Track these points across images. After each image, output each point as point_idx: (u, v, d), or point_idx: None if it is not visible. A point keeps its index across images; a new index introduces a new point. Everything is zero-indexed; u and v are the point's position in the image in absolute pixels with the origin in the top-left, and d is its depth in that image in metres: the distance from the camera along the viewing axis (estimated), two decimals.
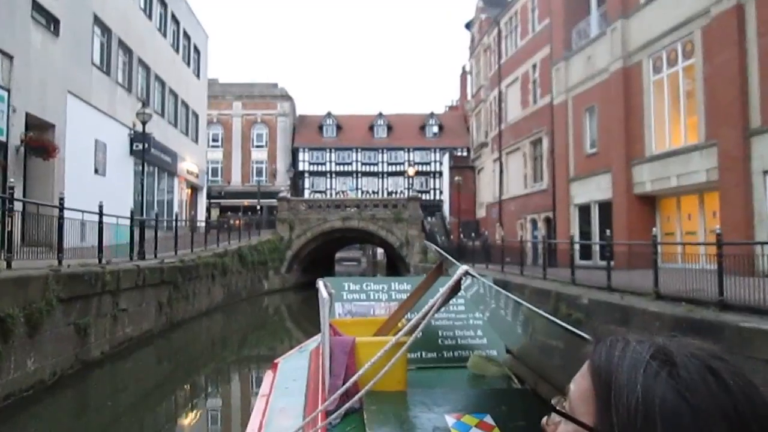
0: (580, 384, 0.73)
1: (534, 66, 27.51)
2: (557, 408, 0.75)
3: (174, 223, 20.14)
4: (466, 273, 2.77)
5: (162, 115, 29.29)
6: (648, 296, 12.33)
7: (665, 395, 0.64)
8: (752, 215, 14.28)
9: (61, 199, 12.09)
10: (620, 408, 0.65)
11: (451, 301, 3.40)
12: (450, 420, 2.50)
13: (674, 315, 10.50)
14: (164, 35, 29.64)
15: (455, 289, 2.83)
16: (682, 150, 17.03)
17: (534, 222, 27.42)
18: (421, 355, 3.83)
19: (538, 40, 26.83)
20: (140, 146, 24.57)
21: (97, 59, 21.77)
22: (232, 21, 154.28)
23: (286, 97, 54.77)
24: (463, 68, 60.90)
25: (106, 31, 22.56)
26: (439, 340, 3.98)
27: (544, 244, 19.11)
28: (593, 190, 21.78)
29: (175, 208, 30.65)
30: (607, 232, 14.80)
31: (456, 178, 35.12)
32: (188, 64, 34.27)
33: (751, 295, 9.58)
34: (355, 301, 4.34)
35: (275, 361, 4.83)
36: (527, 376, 3.24)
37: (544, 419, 0.79)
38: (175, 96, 31.65)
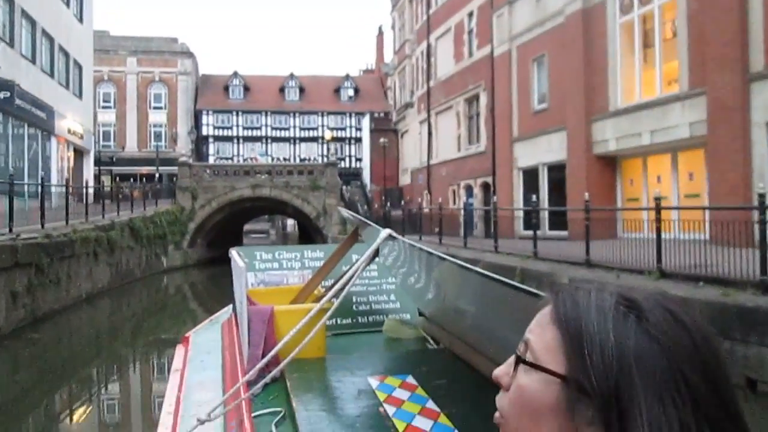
0: (542, 335, 0.72)
1: (470, 14, 24.66)
2: (527, 360, 0.72)
3: (39, 187, 15.93)
4: (390, 236, 2.72)
5: (32, 61, 24.39)
6: (651, 274, 9.89)
7: (638, 339, 0.66)
8: (750, 175, 12.07)
9: None
10: (594, 355, 0.66)
11: None
12: (374, 382, 2.52)
13: (707, 300, 7.99)
14: None
15: (377, 253, 2.78)
16: (658, 102, 14.67)
17: (469, 188, 24.85)
18: (336, 321, 3.74)
19: None
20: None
21: None
22: None
23: (188, 53, 49.70)
24: (380, 28, 57.88)
25: None
26: (354, 306, 3.97)
27: (493, 212, 16.45)
28: (542, 151, 19.31)
29: (54, 174, 25.99)
30: (586, 195, 12.20)
31: (381, 140, 32.02)
32: (67, 3, 29.13)
33: None
34: (268, 271, 4.24)
35: (186, 335, 4.55)
36: (441, 336, 3.28)
37: (497, 371, 0.77)
38: (51, 40, 26.64)
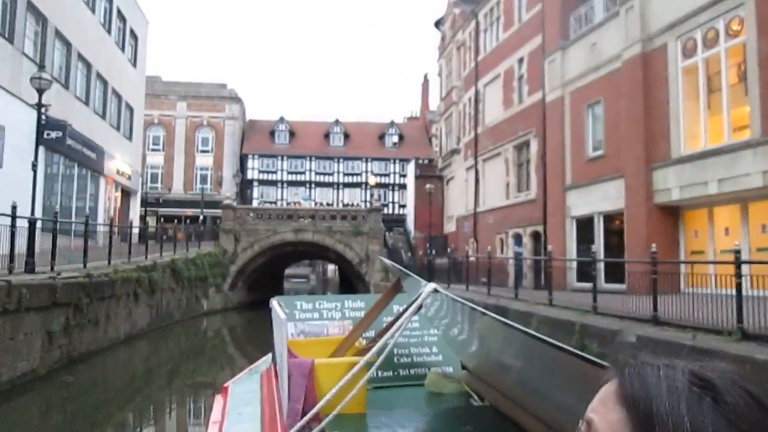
0: (607, 415, 0.66)
1: (520, 60, 24.26)
2: None
3: (84, 226, 15.79)
4: (435, 291, 2.69)
5: (86, 102, 24.84)
6: (732, 335, 8.94)
7: (715, 424, 0.60)
8: None
9: None
10: None
11: None
12: None
13: None
14: (92, 10, 25.28)
15: (420, 307, 2.74)
16: (726, 149, 13.81)
17: (518, 237, 24.01)
18: (377, 374, 3.41)
19: (526, 31, 23.63)
20: (52, 134, 20.33)
21: None
22: (178, 17, 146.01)
23: (236, 99, 50.59)
24: (425, 76, 58.07)
25: None
26: (395, 359, 3.81)
27: (547, 262, 15.61)
28: (597, 199, 18.48)
29: (101, 214, 26.17)
30: (653, 246, 11.34)
31: (427, 185, 31.49)
32: (122, 48, 29.85)
33: None
34: (308, 321, 4.16)
35: (225, 384, 4.55)
36: (485, 391, 3.16)
37: None
38: (105, 83, 27.21)
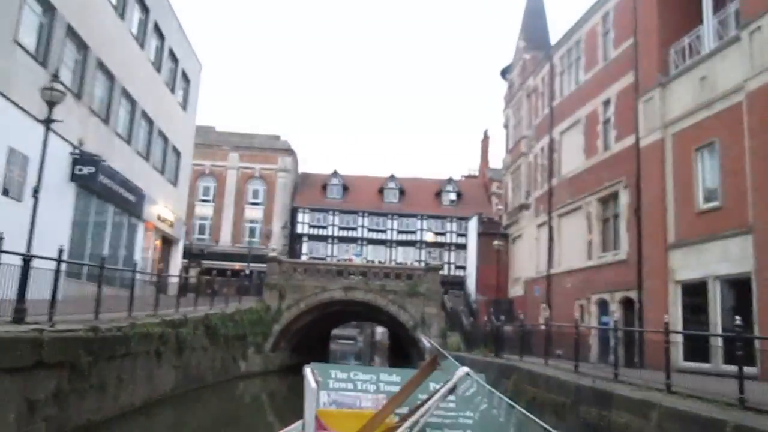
0: None
1: (606, 102, 21.45)
2: None
3: (99, 270, 13.41)
4: (467, 375, 2.78)
5: (127, 141, 23.09)
6: None
7: None
8: None
9: None
10: None
11: None
12: None
13: None
14: (141, 46, 23.86)
15: (452, 390, 2.82)
16: None
17: (603, 304, 20.62)
18: None
19: (614, 69, 20.91)
20: (84, 170, 18.46)
21: (27, 40, 15.69)
22: (233, 69, 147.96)
23: (289, 151, 49.19)
24: (485, 132, 55.81)
25: (48, 8, 16.63)
26: None
27: (665, 335, 12.34)
28: (713, 260, 15.19)
29: (138, 262, 24.04)
30: None
31: (495, 242, 28.39)
32: (172, 90, 28.40)
33: None
34: (342, 391, 4.08)
35: None
36: None
37: None
38: (150, 123, 25.58)
